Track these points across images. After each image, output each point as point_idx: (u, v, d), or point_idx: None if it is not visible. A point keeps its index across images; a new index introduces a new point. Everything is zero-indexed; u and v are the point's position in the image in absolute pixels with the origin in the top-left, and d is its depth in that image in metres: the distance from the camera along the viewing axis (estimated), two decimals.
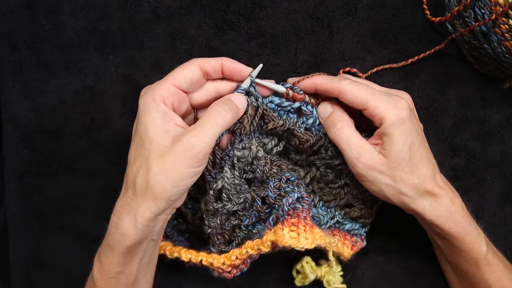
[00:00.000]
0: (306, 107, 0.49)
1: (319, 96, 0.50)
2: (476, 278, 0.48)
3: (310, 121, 0.49)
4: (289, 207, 0.47)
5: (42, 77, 0.58)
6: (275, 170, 0.51)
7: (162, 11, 0.57)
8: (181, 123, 0.45)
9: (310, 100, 0.49)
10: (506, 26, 0.48)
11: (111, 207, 0.58)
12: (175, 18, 0.57)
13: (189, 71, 0.46)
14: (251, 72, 0.48)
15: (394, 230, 0.56)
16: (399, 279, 0.58)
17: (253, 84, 0.48)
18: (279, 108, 0.49)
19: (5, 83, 0.58)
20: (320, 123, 0.50)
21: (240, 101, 0.47)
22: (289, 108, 0.49)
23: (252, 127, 0.48)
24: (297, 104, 0.49)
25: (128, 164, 0.45)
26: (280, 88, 0.48)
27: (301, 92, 0.49)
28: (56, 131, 0.58)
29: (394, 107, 0.45)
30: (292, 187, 0.49)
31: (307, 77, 0.49)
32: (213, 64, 0.47)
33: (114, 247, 0.43)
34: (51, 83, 0.58)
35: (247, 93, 0.48)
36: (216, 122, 0.44)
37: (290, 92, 0.48)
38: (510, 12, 0.47)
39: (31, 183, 0.59)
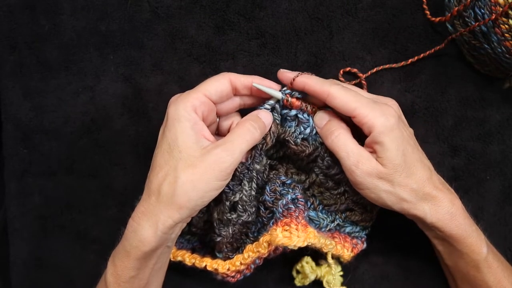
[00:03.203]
0: (303, 115, 0.49)
1: (316, 105, 0.50)
2: (476, 280, 0.48)
3: (307, 130, 0.49)
4: (283, 208, 0.48)
5: (42, 77, 0.58)
6: (272, 175, 0.52)
7: (162, 11, 0.57)
8: (209, 136, 0.45)
9: (307, 107, 0.49)
10: (506, 26, 0.48)
11: (111, 207, 0.58)
12: (175, 18, 0.57)
13: (220, 84, 0.47)
14: (280, 90, 0.49)
15: (394, 231, 0.56)
16: (399, 280, 0.58)
17: (282, 101, 0.49)
18: (279, 117, 0.50)
19: (5, 83, 0.58)
20: (316, 133, 0.50)
21: (267, 118, 0.48)
22: (285, 116, 0.49)
23: (272, 142, 0.49)
24: (293, 112, 0.49)
25: (152, 170, 0.45)
26: (278, 94, 0.49)
27: (300, 95, 0.49)
28: (56, 131, 0.58)
29: (381, 115, 0.45)
30: (287, 189, 0.49)
31: (300, 74, 0.48)
32: (243, 81, 0.48)
33: (130, 252, 0.43)
34: (51, 83, 0.58)
35: (272, 109, 0.49)
36: (246, 138, 0.45)
37: (289, 99, 0.48)
38: (510, 12, 0.47)
39: (31, 183, 0.59)
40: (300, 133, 0.49)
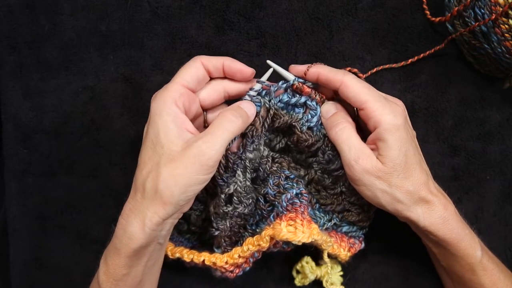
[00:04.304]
0: (311, 102, 0.49)
1: (324, 95, 0.50)
2: (472, 283, 0.48)
3: (314, 119, 0.49)
4: (287, 203, 0.47)
5: (42, 77, 0.58)
6: (275, 168, 0.51)
7: (162, 11, 0.57)
8: (192, 129, 0.45)
9: (316, 96, 0.49)
10: (506, 26, 0.48)
11: (111, 207, 0.58)
12: (175, 18, 0.57)
13: (194, 70, 0.46)
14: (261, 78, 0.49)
15: (393, 230, 0.56)
16: (398, 280, 0.58)
17: (291, 85, 0.49)
18: (287, 105, 0.50)
19: (5, 83, 0.58)
20: (321, 123, 0.50)
21: (249, 109, 0.47)
22: (295, 103, 0.49)
23: (263, 128, 0.49)
24: (303, 99, 0.49)
25: (138, 167, 0.45)
26: (290, 76, 0.49)
27: (311, 85, 0.49)
28: (56, 131, 0.58)
29: (390, 112, 0.45)
30: (291, 183, 0.49)
31: (311, 66, 0.49)
32: (215, 63, 0.47)
33: (121, 249, 0.43)
34: (51, 83, 0.58)
35: (259, 94, 0.49)
36: (226, 128, 0.44)
37: (299, 81, 0.49)
38: (510, 12, 0.47)
39: (31, 183, 0.59)
40: (307, 121, 0.49)
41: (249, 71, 0.48)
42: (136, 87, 0.58)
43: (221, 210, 0.49)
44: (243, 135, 0.48)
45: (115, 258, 0.44)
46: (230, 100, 0.50)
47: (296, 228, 0.45)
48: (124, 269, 0.44)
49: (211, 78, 0.49)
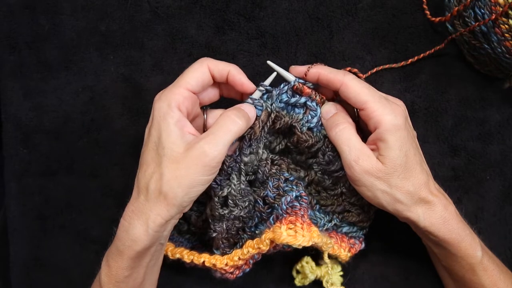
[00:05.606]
0: (311, 103, 0.49)
1: (324, 95, 0.50)
2: (472, 283, 0.48)
3: (314, 120, 0.49)
4: (287, 206, 0.47)
5: (42, 77, 0.58)
6: (274, 170, 0.51)
7: (162, 11, 0.57)
8: (193, 131, 0.45)
9: (316, 96, 0.49)
10: (506, 26, 0.48)
11: (111, 207, 0.58)
12: (175, 18, 0.57)
13: (200, 74, 0.46)
14: (262, 83, 0.49)
15: (393, 231, 0.56)
16: (399, 280, 0.58)
17: (292, 86, 0.49)
18: (287, 105, 0.50)
19: (5, 83, 0.58)
20: (322, 124, 0.50)
21: (250, 111, 0.47)
22: (295, 103, 0.49)
23: (263, 132, 0.49)
24: (303, 99, 0.49)
25: (140, 168, 0.45)
26: (290, 77, 0.49)
27: (312, 86, 0.49)
28: (56, 131, 0.58)
29: (391, 113, 0.45)
30: (291, 186, 0.49)
31: (311, 66, 0.49)
32: (221, 68, 0.47)
33: (124, 251, 0.43)
34: (51, 83, 0.58)
35: (261, 97, 0.49)
36: (229, 129, 0.44)
37: (300, 82, 0.49)
38: (510, 12, 0.47)
39: (31, 183, 0.59)
40: (307, 121, 0.49)
41: (249, 87, 0.48)
42: (136, 87, 0.58)
43: (217, 213, 0.49)
44: (241, 138, 0.48)
45: (118, 260, 0.44)
46: (231, 102, 0.51)
47: (296, 232, 0.45)
48: (127, 271, 0.44)
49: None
